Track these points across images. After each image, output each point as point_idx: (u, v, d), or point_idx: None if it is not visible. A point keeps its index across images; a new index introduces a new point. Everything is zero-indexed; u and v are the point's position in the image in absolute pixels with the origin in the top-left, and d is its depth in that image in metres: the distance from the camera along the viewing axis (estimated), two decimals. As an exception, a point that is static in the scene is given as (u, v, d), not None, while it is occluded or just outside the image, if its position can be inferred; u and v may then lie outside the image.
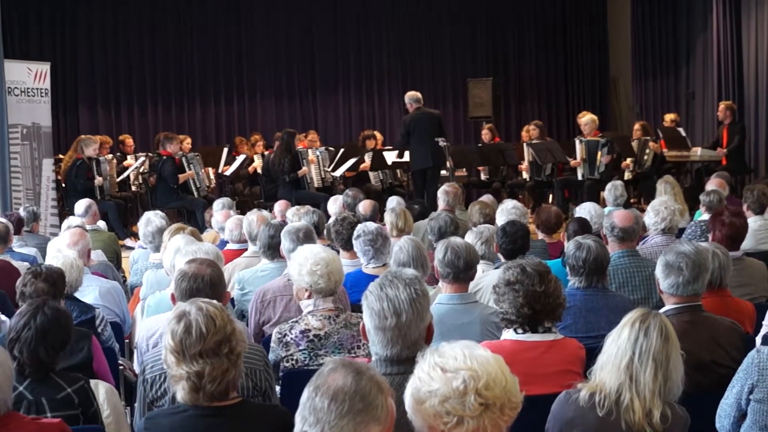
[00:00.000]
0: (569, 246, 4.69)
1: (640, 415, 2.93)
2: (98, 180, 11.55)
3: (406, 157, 12.16)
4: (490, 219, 6.96)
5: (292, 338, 4.08)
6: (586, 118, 12.35)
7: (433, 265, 4.53)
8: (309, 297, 4.19)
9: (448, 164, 11.57)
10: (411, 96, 11.80)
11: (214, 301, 3.05)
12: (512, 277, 3.68)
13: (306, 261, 4.20)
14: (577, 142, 12.23)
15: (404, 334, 2.86)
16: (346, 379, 2.19)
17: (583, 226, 6.07)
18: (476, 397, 2.24)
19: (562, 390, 3.15)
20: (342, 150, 13.20)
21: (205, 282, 3.81)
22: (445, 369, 2.28)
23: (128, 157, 13.21)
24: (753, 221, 6.72)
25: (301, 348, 4.05)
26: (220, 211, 8.18)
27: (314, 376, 2.24)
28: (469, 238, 5.56)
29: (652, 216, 6.17)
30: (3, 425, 2.92)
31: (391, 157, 12.87)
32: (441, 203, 8.27)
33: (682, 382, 3.02)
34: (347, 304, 4.68)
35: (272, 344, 4.16)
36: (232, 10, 16.19)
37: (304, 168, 12.13)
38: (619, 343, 3.02)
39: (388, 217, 7.00)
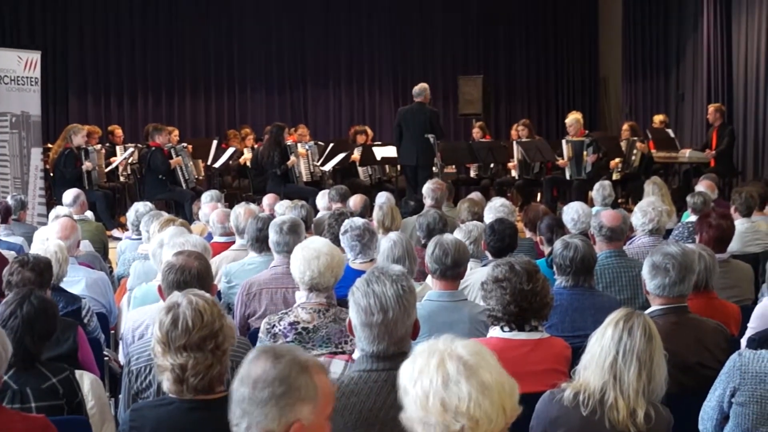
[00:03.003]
0: (556, 245, 4.69)
1: (624, 415, 2.93)
2: (86, 165, 11.50)
3: (393, 152, 12.15)
4: (479, 216, 6.97)
5: (280, 329, 4.06)
6: (570, 119, 12.36)
7: (423, 260, 4.54)
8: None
9: (436, 161, 11.54)
10: (415, 89, 11.73)
11: (207, 295, 3.03)
12: (500, 274, 3.69)
13: (308, 254, 4.17)
14: (563, 142, 12.24)
15: (391, 330, 2.85)
16: (265, 365, 2.19)
17: (558, 224, 6.10)
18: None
19: (547, 389, 3.15)
20: (331, 145, 13.18)
21: (192, 274, 3.80)
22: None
23: (117, 148, 13.14)
24: (740, 224, 6.71)
25: (288, 340, 4.03)
26: (208, 204, 8.16)
27: (240, 367, 2.24)
28: (458, 235, 5.56)
29: (640, 217, 6.15)
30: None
31: (380, 152, 12.86)
32: (428, 200, 8.27)
33: (665, 383, 3.02)
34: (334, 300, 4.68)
35: (260, 335, 4.14)
36: (224, 2, 16.16)
37: (293, 158, 12.10)
38: (602, 342, 3.02)
39: (375, 214, 6.98)
